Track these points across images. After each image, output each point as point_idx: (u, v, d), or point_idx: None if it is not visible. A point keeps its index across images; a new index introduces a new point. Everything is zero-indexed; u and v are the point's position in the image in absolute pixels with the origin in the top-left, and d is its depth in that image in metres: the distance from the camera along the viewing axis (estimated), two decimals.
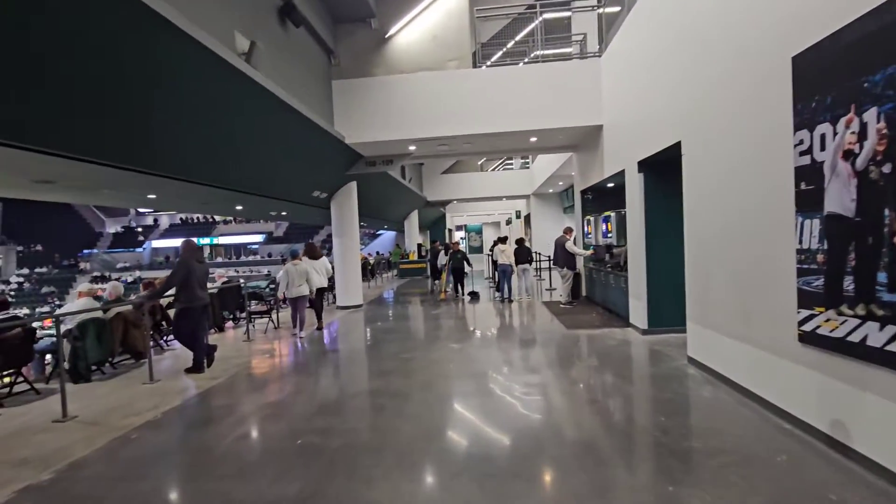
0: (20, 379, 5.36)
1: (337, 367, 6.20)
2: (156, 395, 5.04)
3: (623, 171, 7.30)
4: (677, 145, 5.31)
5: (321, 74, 8.83)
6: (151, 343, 7.25)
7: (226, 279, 9.35)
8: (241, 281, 9.19)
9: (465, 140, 9.53)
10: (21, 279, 33.14)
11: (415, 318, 9.84)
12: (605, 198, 9.48)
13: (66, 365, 5.44)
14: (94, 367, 5.92)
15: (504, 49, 11.48)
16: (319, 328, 8.46)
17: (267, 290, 9.93)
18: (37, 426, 4.32)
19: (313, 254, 8.48)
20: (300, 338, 7.82)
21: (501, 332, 8.02)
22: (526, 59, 10.51)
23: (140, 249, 36.89)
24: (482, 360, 6.04)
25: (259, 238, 37.31)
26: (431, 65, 9.43)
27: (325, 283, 8.54)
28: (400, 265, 19.99)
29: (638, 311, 6.95)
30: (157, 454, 3.62)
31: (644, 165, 6.58)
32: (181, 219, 39.11)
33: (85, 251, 36.39)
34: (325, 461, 3.33)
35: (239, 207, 10.53)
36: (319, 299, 8.55)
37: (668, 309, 6.46)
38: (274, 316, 9.10)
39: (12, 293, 31.62)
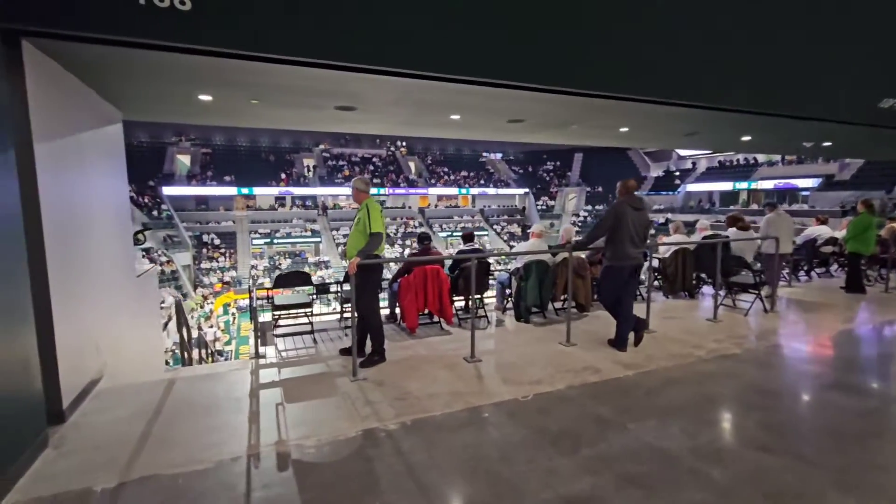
0: (480, 304, 5.97)
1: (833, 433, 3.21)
2: (551, 366, 4.22)
3: None
4: None
5: None
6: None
7: (709, 232, 7.22)
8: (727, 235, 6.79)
9: None
10: (585, 214, 41.88)
11: None
12: None
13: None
14: (535, 310, 5.83)
15: None
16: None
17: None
18: (450, 357, 4.49)
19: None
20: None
21: None
22: None
23: (675, 192, 37.85)
24: None
25: (811, 182, 29.42)
26: None
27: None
28: None
29: None
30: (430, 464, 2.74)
31: None
32: (719, 161, 36.70)
33: None
34: None
35: (745, 138, 7.75)
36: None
37: None
38: (765, 294, 6.27)
39: (580, 224, 40.66)
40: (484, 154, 49.77)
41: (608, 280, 4.65)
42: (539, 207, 43.83)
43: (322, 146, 44.69)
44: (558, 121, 6.24)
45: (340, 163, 43.91)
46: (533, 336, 5.20)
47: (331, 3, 3.32)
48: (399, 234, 39.69)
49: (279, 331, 5.19)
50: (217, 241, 35.09)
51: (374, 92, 4.49)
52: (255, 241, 36.19)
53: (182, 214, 34.67)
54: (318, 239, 38.41)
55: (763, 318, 5.89)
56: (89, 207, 3.87)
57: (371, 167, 44.59)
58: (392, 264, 19.17)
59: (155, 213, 32.93)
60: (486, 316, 5.82)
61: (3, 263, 2.55)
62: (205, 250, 33.90)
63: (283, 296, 5.24)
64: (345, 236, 38.51)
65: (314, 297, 5.28)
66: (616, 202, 4.55)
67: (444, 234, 40.70)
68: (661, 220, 35.13)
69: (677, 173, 39.99)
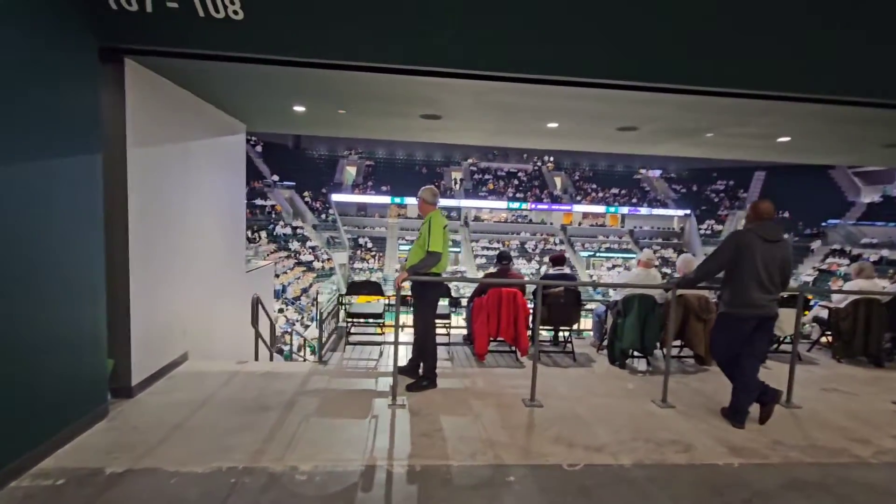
0: (568, 338, 5.20)
1: None
2: (627, 430, 3.36)
3: None
4: None
5: None
6: None
7: None
8: None
9: None
10: None
11: None
12: None
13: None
14: (636, 354, 4.85)
15: None
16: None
17: None
18: (508, 396, 3.92)
19: None
20: None
21: None
22: None
23: (895, 224, 29.56)
24: None
25: None
26: None
27: None
28: None
29: None
30: None
31: None
32: None
33: (830, 221, 33.56)
34: None
35: None
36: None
37: None
38: None
39: None
40: (641, 170, 45.90)
41: (723, 331, 3.57)
42: (702, 231, 38.59)
43: (470, 160, 46.20)
44: (685, 128, 5.14)
45: (486, 177, 44.82)
46: (622, 386, 4.29)
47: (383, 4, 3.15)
48: (537, 251, 38.73)
49: (353, 338, 5.22)
50: (370, 245, 38.63)
51: (453, 97, 4.22)
52: (401, 247, 38.87)
53: (344, 219, 39.11)
54: (458, 249, 39.63)
55: None
56: (190, 207, 4.34)
57: (515, 181, 44.57)
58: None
59: (323, 216, 37.73)
60: (572, 353, 5.04)
61: (80, 253, 2.90)
62: (359, 252, 37.63)
63: (360, 304, 5.26)
64: (483, 248, 39.05)
65: (389, 307, 5.19)
66: (740, 230, 3.48)
67: (586, 254, 38.52)
68: (874, 259, 27.86)
69: None
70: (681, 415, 3.68)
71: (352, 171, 43.89)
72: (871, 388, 4.51)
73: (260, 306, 4.60)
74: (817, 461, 3.05)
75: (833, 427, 3.56)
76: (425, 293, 3.91)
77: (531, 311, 4.79)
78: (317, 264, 31.32)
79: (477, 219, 42.38)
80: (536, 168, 46.46)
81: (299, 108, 4.71)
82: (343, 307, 5.18)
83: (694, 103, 4.25)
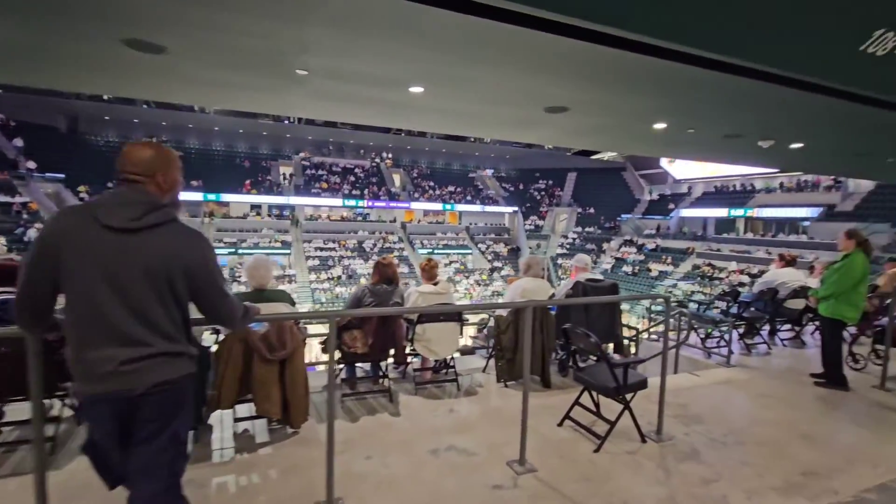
0: None
1: None
2: None
3: None
4: None
5: None
6: None
7: (588, 275, 4.25)
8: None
9: None
10: (574, 236, 38.93)
11: None
12: None
13: None
14: None
15: None
16: None
17: None
18: None
19: None
20: None
21: None
22: None
23: (667, 217, 34.77)
24: None
25: (808, 212, 25.91)
26: None
27: None
28: None
29: None
30: None
31: None
32: (715, 187, 33.66)
33: (623, 216, 38.22)
34: None
35: (660, 126, 4.81)
36: None
37: None
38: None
39: (569, 245, 37.64)
40: (477, 170, 47.34)
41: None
42: (527, 227, 41.09)
43: (302, 154, 42.60)
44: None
45: (320, 172, 41.70)
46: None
47: None
48: (376, 250, 36.94)
49: None
50: None
51: None
52: (218, 251, 33.71)
53: None
54: (288, 251, 35.98)
55: (636, 457, 2.98)
56: None
57: (352, 177, 42.28)
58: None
59: None
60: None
61: None
62: None
63: None
64: (316, 249, 35.90)
65: None
66: (60, 211, 1.70)
67: (425, 251, 37.85)
68: (651, 247, 32.14)
69: (670, 196, 37.02)
70: None
71: None
72: (508, 431, 3.32)
73: None
74: None
75: None
76: None
77: None
78: None
79: (313, 217, 39.06)
80: (375, 165, 44.84)
81: None
82: None
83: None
